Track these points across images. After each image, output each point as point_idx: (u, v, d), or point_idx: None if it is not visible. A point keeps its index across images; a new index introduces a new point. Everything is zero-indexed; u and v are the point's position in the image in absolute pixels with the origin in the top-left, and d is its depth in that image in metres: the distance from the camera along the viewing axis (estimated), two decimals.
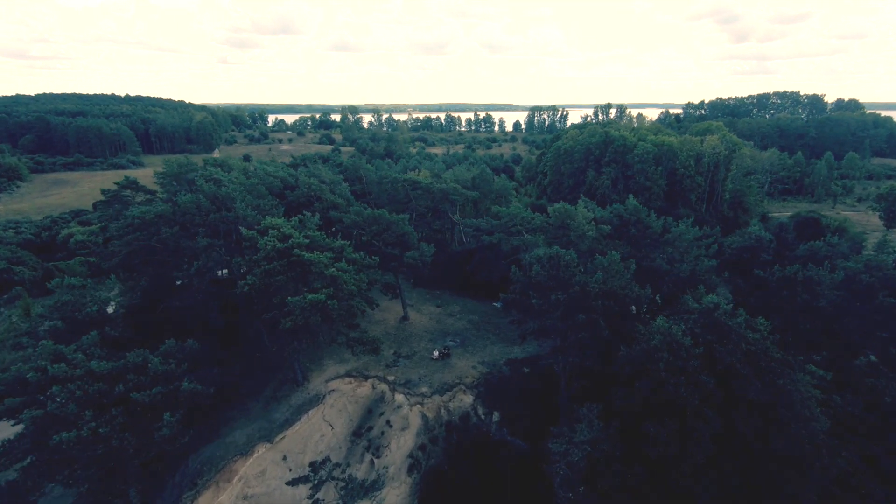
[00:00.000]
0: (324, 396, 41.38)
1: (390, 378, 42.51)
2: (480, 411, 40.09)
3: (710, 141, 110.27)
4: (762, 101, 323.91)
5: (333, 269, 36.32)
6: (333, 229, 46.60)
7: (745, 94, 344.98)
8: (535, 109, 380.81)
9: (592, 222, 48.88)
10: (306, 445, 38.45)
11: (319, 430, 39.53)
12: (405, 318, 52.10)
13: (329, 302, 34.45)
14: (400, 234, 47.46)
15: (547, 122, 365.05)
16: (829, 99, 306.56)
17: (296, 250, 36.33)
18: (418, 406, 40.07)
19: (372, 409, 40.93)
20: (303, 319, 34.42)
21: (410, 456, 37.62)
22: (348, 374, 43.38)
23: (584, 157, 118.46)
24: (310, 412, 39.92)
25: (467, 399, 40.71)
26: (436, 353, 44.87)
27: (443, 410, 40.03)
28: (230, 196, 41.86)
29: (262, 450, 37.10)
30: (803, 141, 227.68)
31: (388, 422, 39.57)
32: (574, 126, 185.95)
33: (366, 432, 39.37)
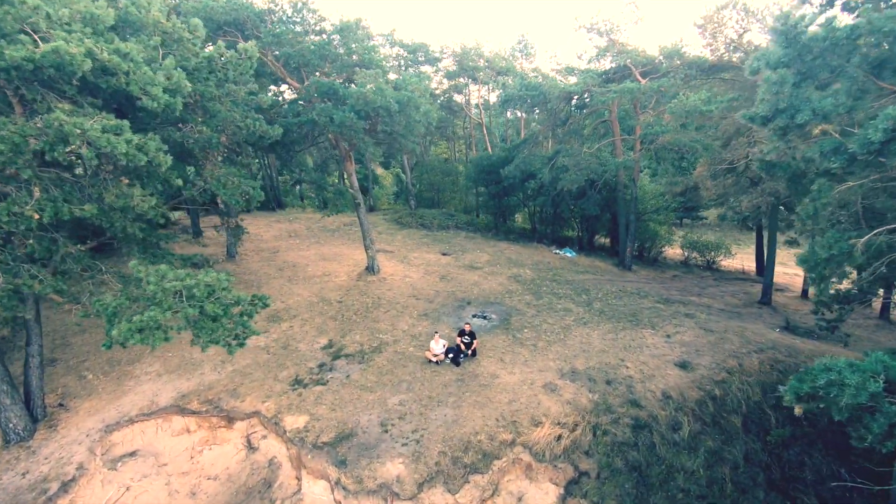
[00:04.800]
0: (73, 479, 12.93)
1: (297, 423, 13.78)
2: None
3: None
4: None
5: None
6: None
7: None
8: None
9: None
10: None
11: None
12: (370, 269, 23.52)
13: None
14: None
15: None
16: None
17: None
18: None
19: None
20: None
21: None
22: (180, 407, 14.85)
23: None
24: None
25: (540, 496, 12.15)
26: (437, 348, 16.16)
27: None
28: None
29: None
30: None
31: None
32: None
33: None
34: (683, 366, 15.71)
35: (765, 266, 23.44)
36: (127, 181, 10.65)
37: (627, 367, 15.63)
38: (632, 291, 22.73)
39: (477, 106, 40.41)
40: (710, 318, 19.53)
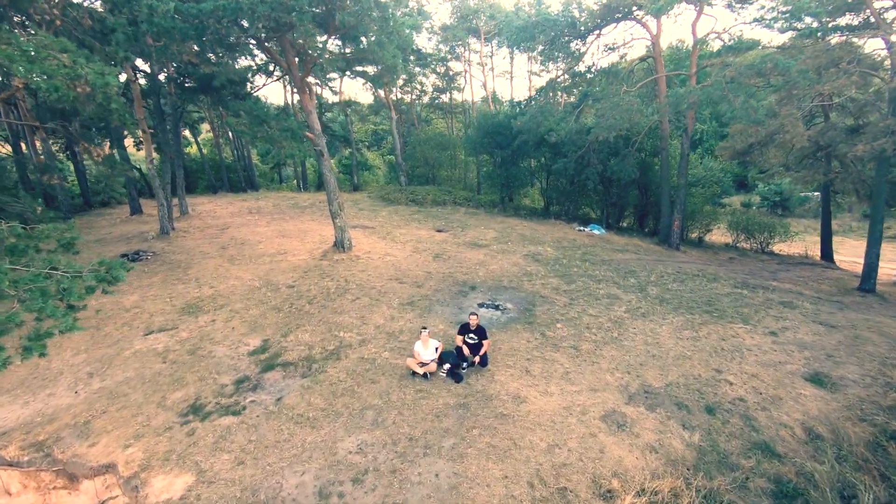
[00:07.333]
0: None
1: (171, 489, 7.76)
2: None
3: None
4: None
5: None
6: None
7: None
8: None
9: None
10: None
11: None
12: (339, 245, 17.57)
13: None
14: None
15: None
16: None
17: None
18: None
19: None
20: None
21: None
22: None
23: None
24: None
25: None
26: (426, 353, 10.28)
27: None
28: None
29: None
30: None
31: None
32: None
33: None
34: (818, 381, 9.86)
35: (868, 243, 17.59)
36: None
37: (731, 384, 9.75)
38: (694, 274, 16.87)
39: (479, 64, 34.49)
40: (820, 309, 13.70)
